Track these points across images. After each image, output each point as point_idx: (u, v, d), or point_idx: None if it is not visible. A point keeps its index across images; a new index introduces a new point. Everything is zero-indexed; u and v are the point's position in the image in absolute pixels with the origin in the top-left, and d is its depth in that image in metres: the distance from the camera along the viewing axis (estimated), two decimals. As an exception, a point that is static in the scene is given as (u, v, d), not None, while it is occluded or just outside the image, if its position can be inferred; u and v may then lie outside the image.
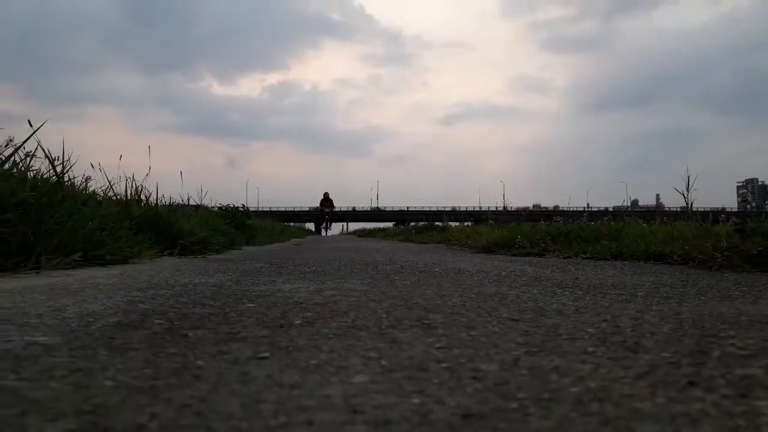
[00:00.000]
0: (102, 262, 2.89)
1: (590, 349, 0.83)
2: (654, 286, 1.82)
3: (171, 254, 4.02)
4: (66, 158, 3.83)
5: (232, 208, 8.70)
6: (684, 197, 5.15)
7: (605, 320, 1.12)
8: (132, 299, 1.42)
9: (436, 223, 13.18)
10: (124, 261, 3.08)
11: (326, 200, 26.16)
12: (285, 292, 1.61)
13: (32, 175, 3.33)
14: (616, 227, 4.62)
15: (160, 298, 1.46)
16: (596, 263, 3.02)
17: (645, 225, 4.66)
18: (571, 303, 1.39)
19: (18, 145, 3.31)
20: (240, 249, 6.05)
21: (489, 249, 5.19)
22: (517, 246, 4.79)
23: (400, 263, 2.99)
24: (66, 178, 3.66)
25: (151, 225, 4.25)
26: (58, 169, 3.59)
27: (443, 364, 0.73)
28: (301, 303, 1.37)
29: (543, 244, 4.58)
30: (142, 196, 5.43)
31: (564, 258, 3.62)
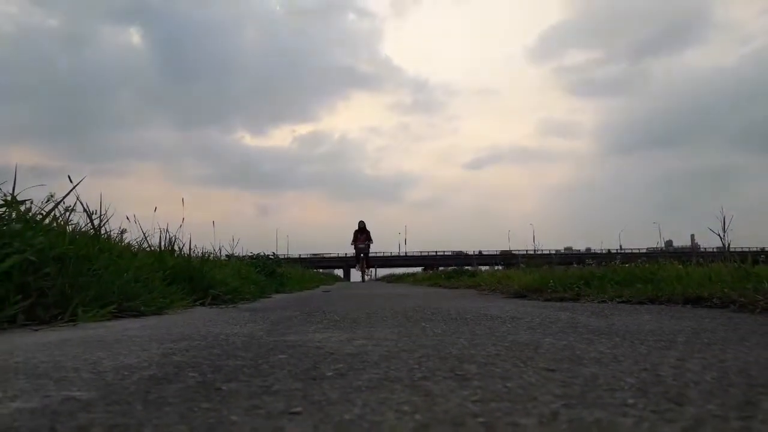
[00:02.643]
0: (136, 313, 2.94)
1: (631, 401, 0.80)
2: (694, 331, 1.76)
3: (203, 304, 4.06)
4: (103, 212, 3.98)
5: (262, 256, 8.80)
6: (720, 237, 5.01)
7: (645, 369, 1.08)
8: (166, 351, 1.43)
9: (466, 267, 13.08)
10: (158, 312, 3.12)
11: (361, 231, 20.74)
12: (316, 342, 1.61)
13: (71, 229, 3.44)
14: (650, 269, 4.51)
15: (194, 350, 1.47)
16: (632, 307, 2.94)
17: (680, 266, 4.53)
18: (608, 351, 1.35)
19: (58, 200, 3.44)
20: (270, 297, 6.08)
21: (521, 294, 5.11)
22: (549, 290, 4.71)
23: (431, 310, 2.96)
24: (102, 231, 3.77)
25: (183, 275, 4.32)
26: (96, 222, 3.70)
27: (480, 419, 0.71)
28: (333, 354, 1.36)
29: (576, 288, 4.49)
30: (176, 247, 5.54)
31: (598, 302, 3.54)
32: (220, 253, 8.73)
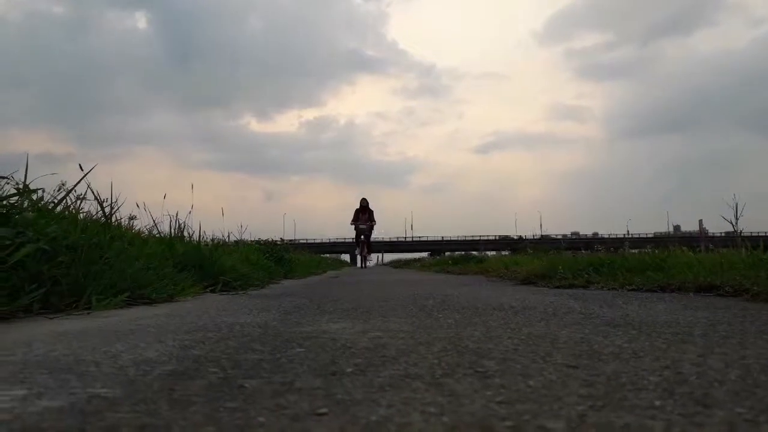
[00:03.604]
0: (148, 301, 2.95)
1: (657, 403, 0.80)
2: (710, 323, 1.76)
3: (213, 290, 4.08)
4: (114, 199, 3.99)
5: (270, 242, 8.82)
6: (732, 225, 4.98)
7: (666, 366, 1.07)
8: (183, 344, 1.44)
9: (473, 253, 13.05)
10: (169, 299, 3.14)
11: (363, 210, 18.24)
12: (331, 334, 1.61)
13: (82, 217, 3.45)
14: (661, 256, 4.49)
15: (210, 341, 1.48)
16: (643, 296, 2.93)
17: (691, 254, 4.51)
18: (626, 345, 1.34)
19: (69, 188, 3.45)
20: (279, 283, 6.11)
21: (529, 281, 5.11)
22: (558, 277, 4.70)
23: (441, 297, 2.97)
24: (113, 219, 3.78)
25: (194, 262, 4.33)
26: (107, 210, 3.71)
27: (507, 422, 0.71)
28: (350, 347, 1.36)
29: (586, 275, 4.48)
30: (185, 234, 5.56)
31: (609, 290, 3.53)
32: (229, 238, 8.76)
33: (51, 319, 2.14)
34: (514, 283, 5.18)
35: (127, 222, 4.45)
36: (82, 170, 3.63)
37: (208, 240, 6.97)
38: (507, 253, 22.52)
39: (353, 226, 18.35)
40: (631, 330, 1.62)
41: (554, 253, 9.05)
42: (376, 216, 18.39)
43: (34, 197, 2.88)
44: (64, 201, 3.19)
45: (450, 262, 11.19)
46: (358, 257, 18.89)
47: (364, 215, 18.29)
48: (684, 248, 5.31)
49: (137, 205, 5.00)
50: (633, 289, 3.39)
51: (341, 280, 7.04)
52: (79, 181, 3.51)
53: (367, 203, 18.49)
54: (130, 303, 2.83)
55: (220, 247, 6.04)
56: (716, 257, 3.95)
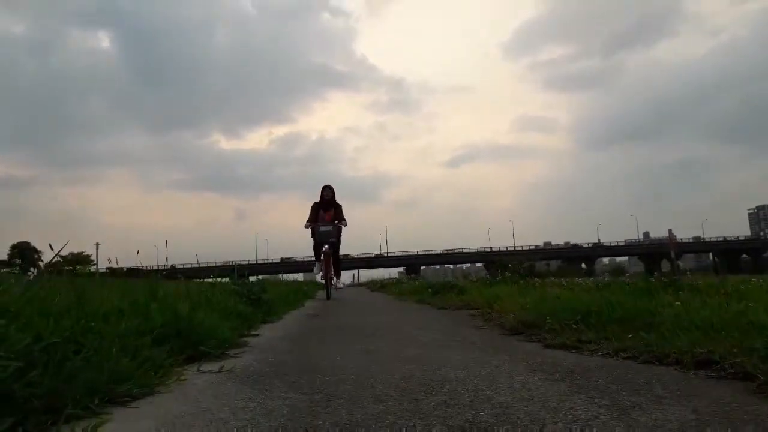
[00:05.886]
0: (128, 398, 2.76)
1: None
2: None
3: (193, 360, 3.89)
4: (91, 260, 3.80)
5: (248, 283, 8.62)
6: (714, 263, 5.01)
7: None
8: None
9: (451, 280, 12.93)
10: (150, 391, 2.94)
11: (326, 204, 12.05)
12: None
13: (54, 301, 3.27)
14: (649, 307, 4.47)
15: None
16: (643, 377, 2.86)
17: (678, 304, 4.50)
18: None
19: (40, 269, 3.26)
20: (258, 335, 5.86)
21: (518, 330, 5.04)
22: (548, 329, 4.65)
23: (439, 380, 2.87)
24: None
25: (171, 331, 4.13)
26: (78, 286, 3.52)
27: None
28: None
29: (575, 328, 4.44)
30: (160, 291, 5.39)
31: (604, 356, 3.48)
32: (203, 279, 8.51)
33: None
34: (503, 332, 5.10)
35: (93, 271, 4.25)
36: (52, 250, 3.46)
37: (183, 290, 6.78)
38: (486, 275, 22.71)
39: (310, 229, 11.89)
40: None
41: (539, 286, 9.04)
42: (346, 214, 12.15)
43: None
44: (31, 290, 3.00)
45: (429, 291, 11.12)
46: (318, 276, 12.60)
47: (327, 212, 12.07)
48: (670, 294, 5.30)
49: (109, 260, 4.81)
50: (628, 357, 3.33)
51: (323, 325, 6.88)
52: (51, 260, 3.33)
53: (333, 193, 12.10)
54: (108, 401, 2.64)
55: (198, 307, 5.84)
56: (705, 313, 3.93)
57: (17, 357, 2.20)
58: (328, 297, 12.18)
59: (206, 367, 3.65)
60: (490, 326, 5.72)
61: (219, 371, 3.49)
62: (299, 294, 14.28)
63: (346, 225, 12.23)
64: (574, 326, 4.57)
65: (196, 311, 5.11)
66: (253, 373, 3.46)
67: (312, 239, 12.15)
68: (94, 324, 3.29)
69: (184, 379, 3.20)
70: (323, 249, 12.00)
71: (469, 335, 4.96)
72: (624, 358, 3.35)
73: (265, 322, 7.51)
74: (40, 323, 2.70)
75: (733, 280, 11.07)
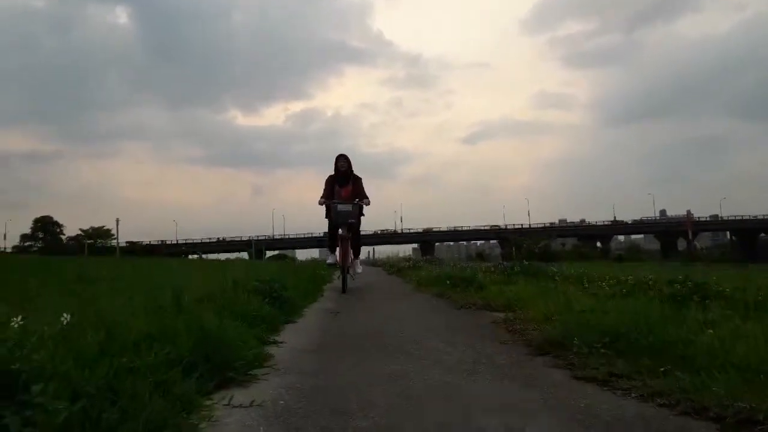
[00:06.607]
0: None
1: None
2: None
3: (221, 385, 3.90)
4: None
5: (267, 281, 8.64)
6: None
7: None
8: None
9: (469, 275, 12.75)
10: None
11: (343, 176, 10.30)
12: None
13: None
14: (683, 336, 4.38)
15: None
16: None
17: (711, 332, 4.41)
18: None
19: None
20: (281, 343, 5.85)
21: (545, 349, 4.99)
22: (576, 353, 4.60)
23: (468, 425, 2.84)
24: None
25: (200, 354, 4.12)
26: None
27: None
28: None
29: (604, 354, 4.39)
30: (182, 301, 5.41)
31: (637, 399, 3.42)
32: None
33: None
34: (529, 351, 5.05)
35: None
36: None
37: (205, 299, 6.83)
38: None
39: (324, 206, 10.25)
40: None
41: (549, 276, 8.94)
42: (367, 191, 10.47)
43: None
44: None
45: (448, 283, 11.08)
46: (332, 257, 10.73)
47: (344, 186, 10.31)
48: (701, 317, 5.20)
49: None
50: (664, 405, 3.26)
51: (341, 329, 6.89)
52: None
53: (349, 164, 10.42)
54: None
55: (223, 312, 5.86)
56: (741, 349, 3.84)
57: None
58: (344, 290, 10.32)
59: (237, 397, 3.65)
60: (515, 339, 5.68)
61: (250, 405, 3.50)
62: (317, 280, 14.30)
63: (368, 204, 10.42)
64: (602, 350, 4.52)
65: (222, 321, 5.13)
66: (284, 411, 3.45)
67: (326, 219, 10.39)
68: (125, 360, 3.30)
69: (216, 421, 3.21)
70: (340, 232, 10.31)
71: (495, 355, 4.92)
72: (660, 405, 3.29)
73: (287, 321, 7.54)
74: (75, 375, 2.70)
75: (757, 276, 10.90)
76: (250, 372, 4.41)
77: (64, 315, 3.16)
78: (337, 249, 10.49)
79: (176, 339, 4.14)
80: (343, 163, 10.42)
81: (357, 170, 10.60)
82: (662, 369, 3.84)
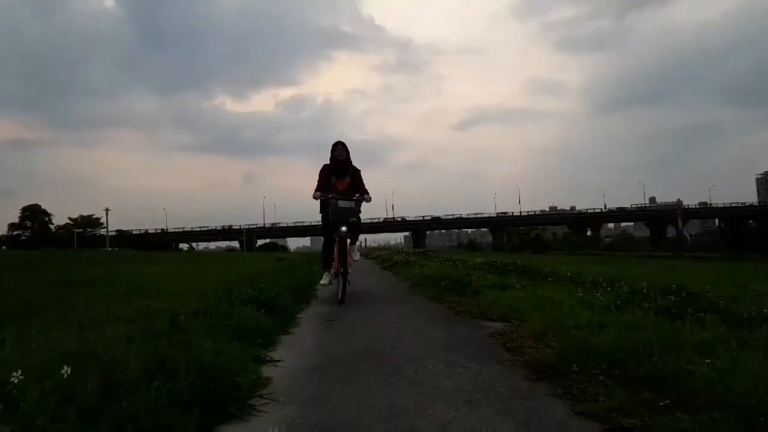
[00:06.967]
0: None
1: None
2: None
3: (221, 422, 3.88)
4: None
5: (264, 290, 8.61)
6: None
7: None
8: None
9: (464, 279, 12.62)
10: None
11: (340, 167, 9.22)
12: None
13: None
14: (680, 364, 4.39)
15: None
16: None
17: (709, 362, 4.42)
18: None
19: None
20: (278, 362, 5.81)
21: (540, 371, 5.01)
22: (574, 377, 4.62)
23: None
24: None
25: (198, 388, 4.08)
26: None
27: None
28: None
29: (601, 378, 4.41)
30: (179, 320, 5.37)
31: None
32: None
33: None
34: (527, 374, 5.06)
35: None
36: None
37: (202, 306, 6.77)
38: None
39: (318, 200, 9.08)
40: None
41: (543, 283, 8.95)
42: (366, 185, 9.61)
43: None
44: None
45: (442, 285, 11.11)
46: (327, 276, 9.58)
47: (340, 180, 9.37)
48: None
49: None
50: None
51: (337, 346, 6.87)
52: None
53: (348, 153, 9.41)
54: None
55: (218, 329, 5.83)
56: (742, 385, 3.85)
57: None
58: (341, 301, 9.31)
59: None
60: (513, 360, 5.70)
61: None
62: (311, 278, 14.23)
63: (369, 200, 9.39)
64: (600, 377, 4.54)
65: (219, 347, 5.11)
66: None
67: (321, 214, 9.28)
68: (126, 404, 3.29)
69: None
70: (339, 231, 9.02)
71: (495, 380, 4.93)
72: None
73: (283, 332, 7.50)
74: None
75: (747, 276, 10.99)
76: (250, 402, 4.40)
77: (64, 368, 3.10)
78: (332, 259, 9.33)
79: (175, 373, 4.12)
80: (341, 151, 9.36)
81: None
82: (662, 404, 3.85)
